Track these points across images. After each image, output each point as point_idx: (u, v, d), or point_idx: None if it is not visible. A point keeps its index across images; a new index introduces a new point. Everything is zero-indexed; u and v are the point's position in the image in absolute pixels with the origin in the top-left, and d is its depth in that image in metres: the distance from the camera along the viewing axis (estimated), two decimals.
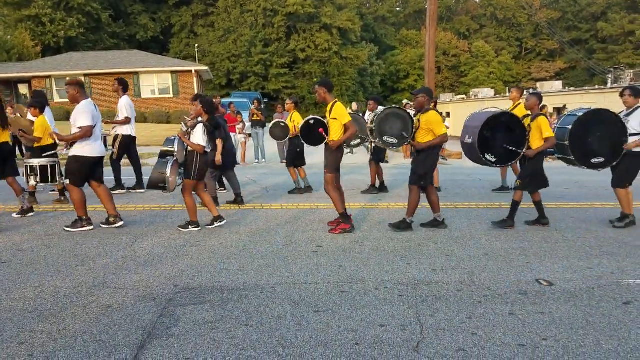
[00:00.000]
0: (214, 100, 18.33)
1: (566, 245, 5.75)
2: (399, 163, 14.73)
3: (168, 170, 6.70)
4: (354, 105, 18.95)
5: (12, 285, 4.40)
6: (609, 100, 21.54)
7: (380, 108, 8.72)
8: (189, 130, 6.25)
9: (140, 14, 52.18)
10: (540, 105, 6.60)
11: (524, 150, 6.31)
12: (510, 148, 6.32)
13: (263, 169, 13.50)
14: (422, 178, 6.29)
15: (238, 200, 8.12)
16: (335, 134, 6.13)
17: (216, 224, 6.48)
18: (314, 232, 6.24)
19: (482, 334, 3.49)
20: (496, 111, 6.62)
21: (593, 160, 6.36)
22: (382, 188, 9.27)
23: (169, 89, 31.90)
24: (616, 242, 5.83)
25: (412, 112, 6.86)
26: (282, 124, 9.80)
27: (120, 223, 6.48)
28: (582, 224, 6.78)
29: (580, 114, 6.39)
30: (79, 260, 5.09)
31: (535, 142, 6.29)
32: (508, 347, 3.32)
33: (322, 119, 7.89)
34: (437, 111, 6.51)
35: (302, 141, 8.34)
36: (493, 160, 6.41)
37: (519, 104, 8.45)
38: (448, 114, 39.22)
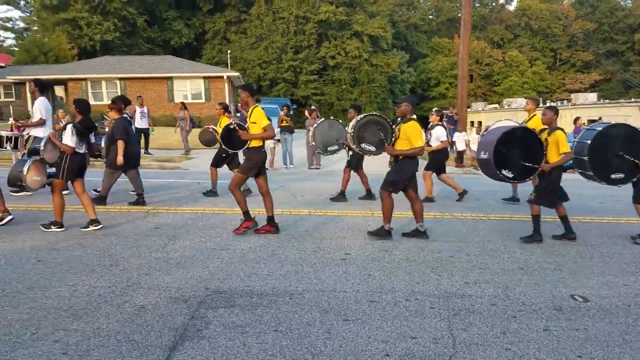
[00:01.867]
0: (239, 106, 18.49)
1: (601, 260, 5.60)
2: None
3: (25, 169, 6.82)
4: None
5: (47, 283, 4.50)
6: None
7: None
8: (61, 130, 6.29)
9: (175, 20, 53.09)
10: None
11: (541, 165, 6.20)
12: (527, 164, 6.20)
13: (291, 174, 13.55)
14: (392, 184, 6.22)
15: (140, 201, 8.20)
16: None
17: (91, 227, 6.40)
18: (342, 240, 6.22)
19: (516, 350, 3.42)
20: (511, 125, 6.47)
21: (613, 176, 6.15)
22: (370, 196, 9.13)
23: (201, 94, 32.30)
24: None
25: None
26: (211, 129, 10.04)
27: (8, 218, 6.61)
28: (617, 239, 6.60)
29: (600, 128, 6.21)
30: (113, 260, 5.18)
31: (553, 157, 6.20)
32: None
33: (242, 124, 8.12)
34: (417, 123, 6.32)
35: (224, 147, 8.67)
36: (510, 175, 6.30)
37: (534, 115, 8.35)
38: (480, 123, 38.81)
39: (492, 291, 4.58)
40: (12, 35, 57.14)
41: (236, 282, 4.63)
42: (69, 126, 6.30)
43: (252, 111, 6.36)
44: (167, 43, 52.71)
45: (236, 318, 3.86)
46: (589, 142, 6.11)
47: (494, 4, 70.66)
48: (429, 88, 59.78)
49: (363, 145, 6.70)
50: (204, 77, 32.37)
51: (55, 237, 6.02)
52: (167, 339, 3.50)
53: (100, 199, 8.06)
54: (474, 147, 15.91)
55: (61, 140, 6.28)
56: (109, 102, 8.45)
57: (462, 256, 5.64)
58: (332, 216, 7.64)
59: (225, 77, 32.51)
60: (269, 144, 14.87)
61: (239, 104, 18.33)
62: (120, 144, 7.83)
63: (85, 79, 31.56)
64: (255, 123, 6.33)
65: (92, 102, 31.02)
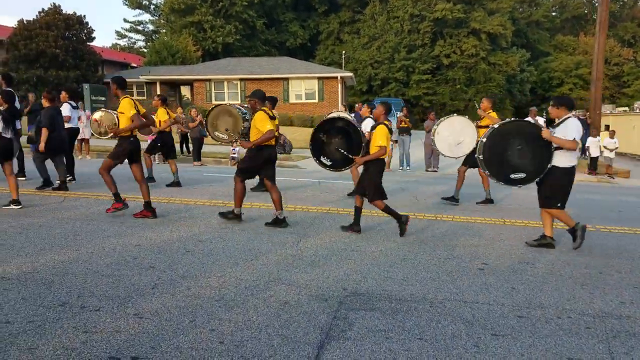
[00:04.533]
0: (356, 106, 18.65)
1: None
2: None
3: None
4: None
5: (198, 273, 4.79)
6: None
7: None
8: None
9: (291, 22, 54.75)
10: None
11: (356, 158, 6.55)
12: (344, 152, 6.59)
13: (409, 176, 13.38)
14: (243, 172, 6.63)
15: (62, 187, 8.81)
16: (122, 126, 6.85)
17: (12, 206, 7.21)
18: (475, 248, 6.00)
19: None
20: (334, 115, 7.08)
21: (512, 176, 6.04)
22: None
23: (315, 94, 32.99)
24: None
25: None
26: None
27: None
28: None
29: (497, 125, 6.19)
30: (253, 255, 5.41)
31: (372, 150, 6.30)
32: None
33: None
34: (265, 112, 6.53)
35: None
36: (328, 163, 6.83)
37: (489, 113, 8.64)
38: (607, 127, 35.75)
39: None
40: (142, 38, 62.26)
41: (372, 285, 4.62)
42: None
43: (120, 102, 6.82)
44: (282, 44, 54.48)
45: (378, 322, 3.84)
46: (484, 140, 6.12)
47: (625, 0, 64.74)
48: (551, 88, 56.13)
49: (216, 133, 7.31)
50: (318, 78, 33.03)
51: (198, 229, 6.43)
52: (313, 337, 3.56)
53: (62, 184, 8.83)
54: (608, 153, 14.69)
55: None
56: (156, 97, 9.77)
57: (612, 273, 5.18)
58: (461, 222, 7.40)
59: (338, 78, 32.90)
60: None
61: (356, 105, 18.33)
62: (44, 132, 8.54)
63: (209, 80, 33.53)
64: (123, 113, 6.77)
65: (214, 101, 33.25)
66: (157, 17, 59.55)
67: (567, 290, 4.64)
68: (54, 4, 33.09)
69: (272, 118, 6.63)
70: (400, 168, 14.96)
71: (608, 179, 13.81)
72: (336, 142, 6.69)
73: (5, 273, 4.60)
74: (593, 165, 14.55)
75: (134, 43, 62.83)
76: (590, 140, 14.63)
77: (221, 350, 3.33)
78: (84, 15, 34.09)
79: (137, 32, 61.36)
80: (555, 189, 5.80)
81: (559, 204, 5.80)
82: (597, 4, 48.11)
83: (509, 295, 4.47)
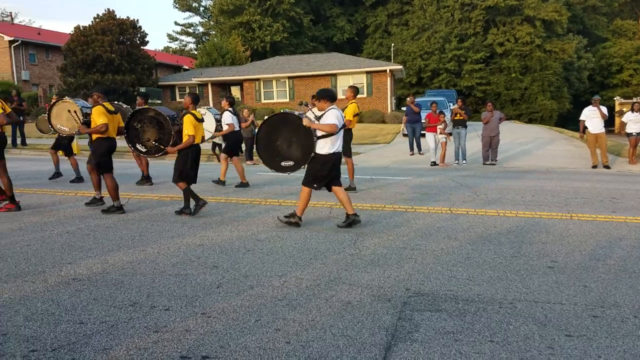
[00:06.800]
0: (407, 99, 18.17)
1: None
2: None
3: None
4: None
5: (259, 272, 4.83)
6: None
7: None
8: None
9: (338, 17, 54.58)
10: None
11: (167, 148, 7.17)
12: (155, 143, 7.20)
13: (465, 171, 13.05)
14: (98, 165, 7.25)
15: None
16: None
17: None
18: (543, 245, 5.77)
19: None
20: (147, 108, 7.40)
21: (283, 164, 6.55)
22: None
23: (363, 89, 32.66)
24: None
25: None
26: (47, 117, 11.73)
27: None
28: None
29: (266, 117, 6.74)
30: (312, 254, 5.41)
31: (183, 139, 7.01)
32: None
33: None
34: (103, 107, 7.15)
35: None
36: (143, 150, 7.34)
37: (352, 102, 8.87)
38: None
39: None
40: (193, 40, 63.63)
41: (436, 285, 4.52)
42: None
43: None
44: (329, 40, 54.42)
45: (445, 323, 3.74)
46: (258, 131, 6.65)
47: None
48: (610, 75, 53.50)
49: (58, 125, 8.18)
50: (367, 72, 32.69)
51: (256, 229, 6.50)
52: (379, 338, 3.51)
53: None
54: None
55: None
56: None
57: None
58: (526, 218, 7.15)
59: (387, 71, 32.49)
60: (440, 138, 14.42)
61: (407, 99, 17.94)
62: None
63: (258, 79, 33.89)
64: None
65: (263, 100, 33.60)
66: (206, 19, 60.77)
67: None
68: (108, 9, 34.30)
69: (112, 112, 7.34)
70: (456, 162, 14.60)
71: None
72: (150, 130, 7.20)
73: (77, 274, 4.78)
74: None
75: (185, 45, 64.40)
76: None
77: (288, 350, 3.34)
78: (137, 20, 35.16)
79: (188, 34, 62.87)
80: (311, 171, 6.39)
81: (315, 185, 6.40)
82: None
83: (582, 294, 4.27)
